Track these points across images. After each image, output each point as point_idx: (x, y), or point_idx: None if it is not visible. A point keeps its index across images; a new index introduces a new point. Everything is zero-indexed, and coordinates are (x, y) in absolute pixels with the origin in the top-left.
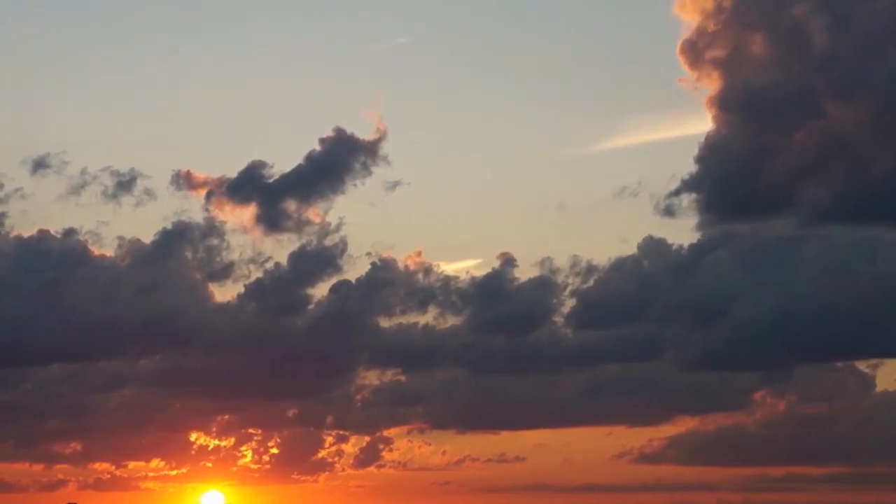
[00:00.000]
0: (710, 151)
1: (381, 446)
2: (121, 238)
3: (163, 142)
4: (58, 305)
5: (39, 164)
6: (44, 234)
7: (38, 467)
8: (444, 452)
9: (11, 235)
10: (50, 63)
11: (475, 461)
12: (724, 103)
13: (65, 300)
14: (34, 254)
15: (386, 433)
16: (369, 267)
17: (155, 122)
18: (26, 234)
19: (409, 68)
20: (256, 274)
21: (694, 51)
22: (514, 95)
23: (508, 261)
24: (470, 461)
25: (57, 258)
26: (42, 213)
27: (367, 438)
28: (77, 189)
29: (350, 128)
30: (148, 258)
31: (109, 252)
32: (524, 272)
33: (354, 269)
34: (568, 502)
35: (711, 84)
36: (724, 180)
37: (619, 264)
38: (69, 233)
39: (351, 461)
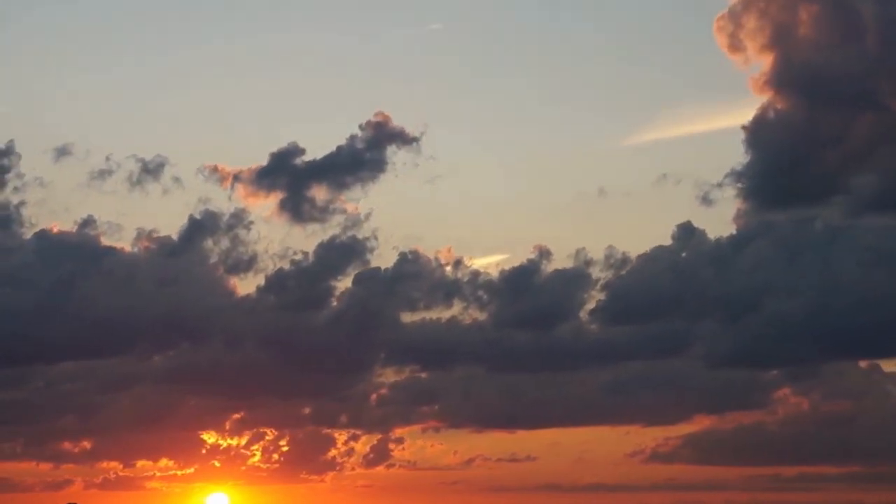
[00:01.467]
0: (754, 139)
1: (392, 445)
2: (140, 230)
3: (192, 131)
4: (72, 300)
5: (62, 153)
6: (61, 227)
7: (45, 467)
8: (455, 452)
9: (27, 229)
10: (73, 50)
11: (486, 460)
12: (775, 84)
13: (79, 295)
14: (49, 248)
15: (399, 432)
16: (396, 260)
17: (185, 110)
18: (45, 224)
19: (443, 55)
20: (281, 265)
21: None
22: (551, 84)
23: (542, 253)
24: (481, 460)
25: (72, 252)
26: (62, 202)
27: (380, 437)
28: (101, 177)
29: (382, 117)
30: (168, 250)
31: (127, 245)
32: (557, 265)
33: (381, 263)
34: (573, 502)
35: (760, 63)
36: (766, 168)
37: (653, 256)
38: (86, 224)
39: (360, 460)
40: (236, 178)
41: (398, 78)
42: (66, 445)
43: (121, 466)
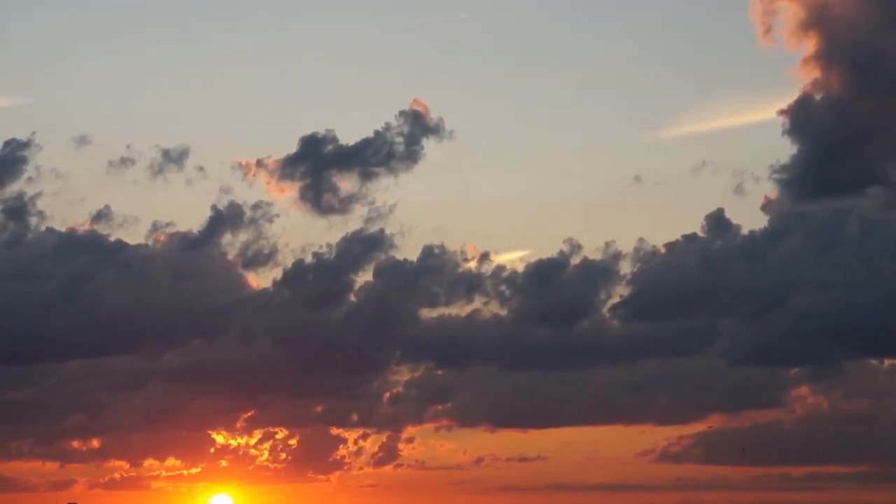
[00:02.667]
0: (791, 128)
1: (402, 445)
2: (156, 222)
3: (218, 120)
4: (83, 296)
5: (81, 142)
6: (76, 220)
7: (51, 466)
8: (465, 451)
9: (42, 221)
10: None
11: (496, 460)
12: (812, 72)
13: (91, 291)
14: (62, 241)
15: (410, 431)
16: (420, 253)
17: (212, 99)
18: (61, 217)
19: (471, 45)
20: (302, 258)
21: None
22: (583, 75)
23: (572, 247)
24: (490, 460)
25: (86, 246)
26: (78, 193)
27: (389, 436)
28: (120, 167)
29: (420, 106)
30: (185, 243)
31: (143, 238)
32: (585, 259)
33: (405, 256)
34: (579, 502)
35: (797, 50)
36: (802, 158)
37: (682, 249)
38: (101, 216)
39: (369, 460)
40: (259, 163)
41: (425, 68)
42: (75, 444)
43: (127, 466)
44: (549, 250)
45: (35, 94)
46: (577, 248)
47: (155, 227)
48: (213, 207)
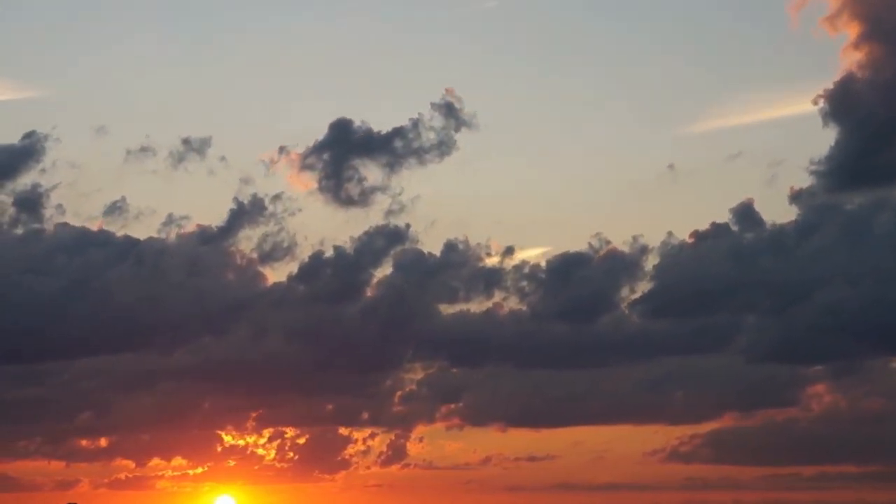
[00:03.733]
0: (830, 116)
1: (411, 444)
2: (170, 215)
3: (244, 110)
4: (93, 292)
5: (100, 132)
6: (90, 212)
7: (57, 465)
8: (475, 451)
9: (56, 213)
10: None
11: (504, 459)
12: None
13: (101, 286)
14: (74, 235)
15: (420, 430)
16: (442, 248)
17: (238, 89)
18: (75, 209)
19: (497, 33)
20: (321, 250)
21: None
22: (614, 65)
23: (600, 242)
24: (498, 459)
25: (98, 239)
26: (94, 185)
27: (398, 436)
28: (139, 157)
29: (432, 98)
30: (201, 236)
31: (156, 232)
32: (611, 253)
33: (426, 250)
34: (584, 501)
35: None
36: (839, 150)
37: (708, 244)
38: (114, 209)
39: (376, 459)
40: (283, 151)
41: (451, 57)
42: (82, 443)
43: (133, 465)
44: (575, 245)
45: (55, 85)
46: (604, 242)
47: (171, 220)
48: (234, 199)
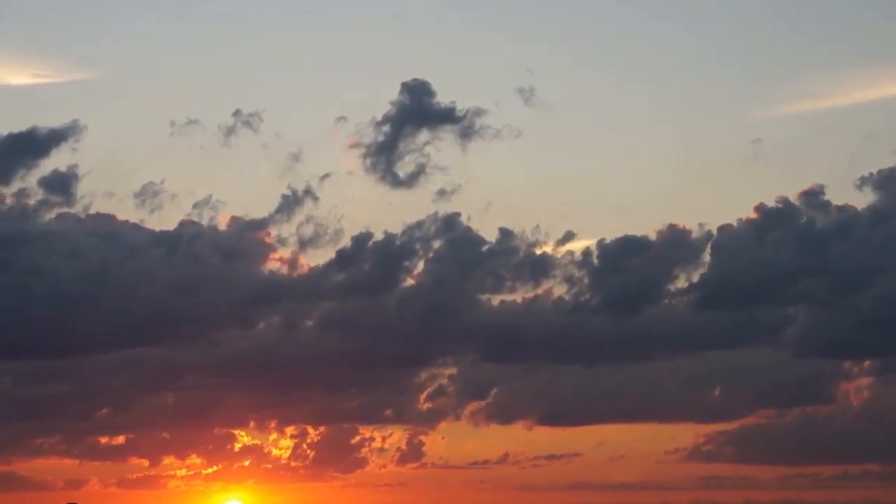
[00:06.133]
0: None
1: (430, 442)
2: (204, 199)
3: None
4: (115, 283)
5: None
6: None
7: (70, 464)
8: (494, 449)
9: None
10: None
11: (522, 458)
12: None
13: (127, 276)
14: (101, 224)
15: (443, 428)
16: (494, 233)
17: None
18: (104, 193)
19: (569, 13)
20: (369, 230)
21: None
22: (687, 45)
23: (658, 232)
24: (515, 458)
25: (123, 231)
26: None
27: (418, 434)
28: (176, 137)
29: (500, 77)
30: (237, 223)
31: (186, 216)
32: (665, 242)
33: (475, 235)
34: (593, 500)
35: None
36: None
37: (771, 229)
38: (144, 193)
39: (391, 459)
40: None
41: (520, 35)
42: (100, 441)
43: (147, 464)
44: (637, 231)
45: (101, 66)
46: (664, 229)
47: (207, 203)
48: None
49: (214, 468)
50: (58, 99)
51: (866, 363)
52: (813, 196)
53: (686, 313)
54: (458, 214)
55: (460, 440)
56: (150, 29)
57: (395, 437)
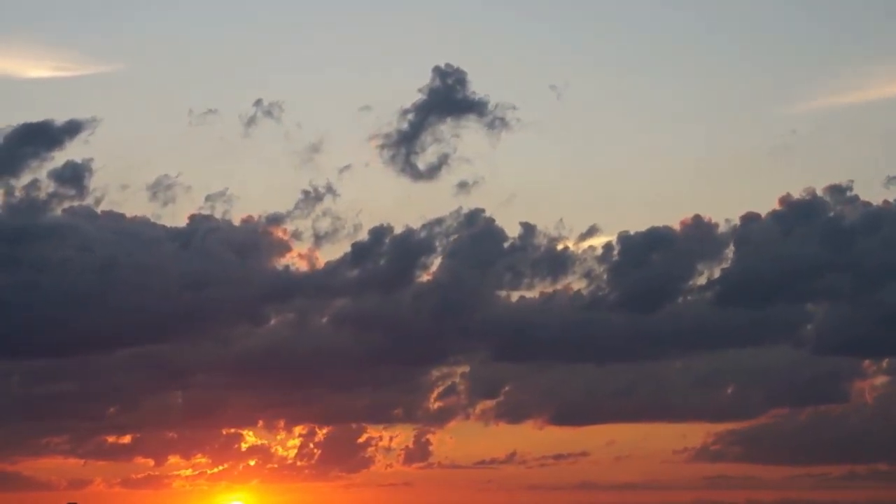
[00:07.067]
0: None
1: (436, 442)
2: (214, 193)
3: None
4: (123, 279)
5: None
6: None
7: (75, 463)
8: (501, 449)
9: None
10: None
11: (529, 458)
12: None
13: (136, 272)
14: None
15: (452, 427)
16: (520, 231)
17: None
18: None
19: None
20: (388, 222)
21: None
22: (716, 39)
23: (682, 223)
24: (522, 458)
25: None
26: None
27: (426, 433)
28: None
29: (524, 69)
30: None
31: (197, 209)
32: (688, 237)
33: (495, 231)
34: (597, 500)
35: None
36: None
37: (796, 225)
38: (158, 185)
39: (397, 458)
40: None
41: (539, 32)
42: (107, 440)
43: (153, 463)
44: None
45: (122, 58)
46: (690, 222)
47: (220, 196)
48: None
49: (220, 468)
50: (77, 92)
51: (885, 361)
52: (840, 191)
53: (704, 310)
54: (482, 211)
55: (468, 439)
56: (170, 20)
57: (403, 436)
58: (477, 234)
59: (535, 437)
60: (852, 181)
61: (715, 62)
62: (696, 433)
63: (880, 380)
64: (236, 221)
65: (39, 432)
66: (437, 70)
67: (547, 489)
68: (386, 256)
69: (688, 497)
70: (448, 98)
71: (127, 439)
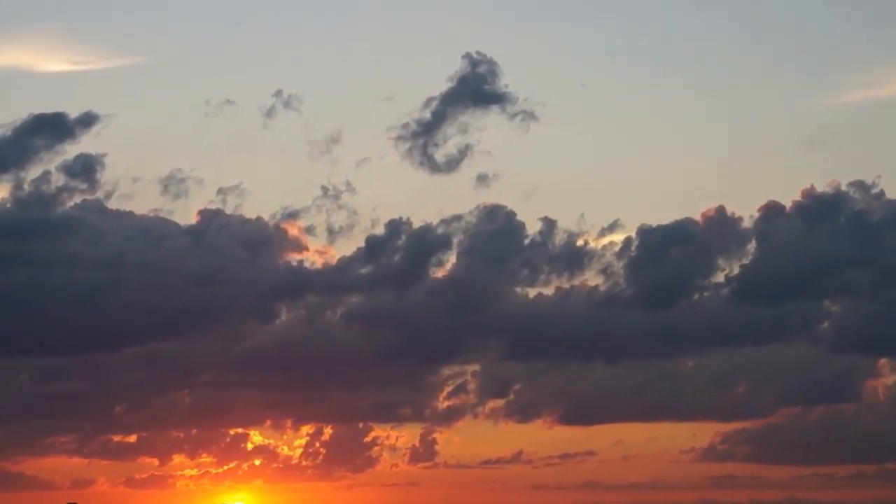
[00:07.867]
0: None
1: (443, 441)
2: (224, 187)
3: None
4: (133, 275)
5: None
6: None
7: (79, 463)
8: (509, 448)
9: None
10: None
11: (535, 458)
12: None
13: (145, 270)
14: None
15: (459, 426)
16: (540, 226)
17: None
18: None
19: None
20: (405, 215)
21: None
22: (743, 33)
23: (703, 218)
24: (528, 458)
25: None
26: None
27: (432, 433)
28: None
29: (548, 63)
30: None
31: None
32: (709, 232)
33: (515, 224)
34: (601, 500)
35: None
36: None
37: (818, 221)
38: (170, 179)
39: (402, 458)
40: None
41: (564, 26)
42: (113, 439)
43: (157, 463)
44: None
45: (140, 51)
46: (714, 215)
47: (232, 191)
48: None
49: (224, 468)
50: (94, 85)
51: None
52: (866, 187)
53: (720, 307)
54: (504, 207)
55: (475, 439)
56: (188, 12)
57: (408, 435)
58: (496, 229)
59: (542, 437)
60: (879, 177)
61: (743, 56)
62: (706, 433)
63: (892, 378)
64: (249, 216)
65: (45, 432)
66: (467, 57)
67: (552, 489)
68: (400, 252)
69: (692, 497)
70: (477, 88)
71: (132, 438)
